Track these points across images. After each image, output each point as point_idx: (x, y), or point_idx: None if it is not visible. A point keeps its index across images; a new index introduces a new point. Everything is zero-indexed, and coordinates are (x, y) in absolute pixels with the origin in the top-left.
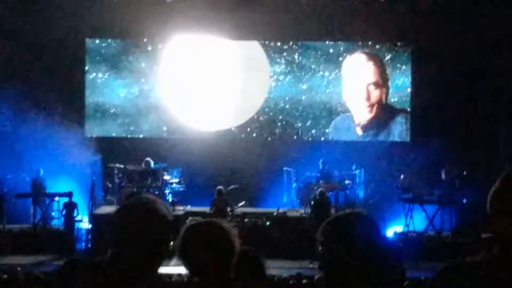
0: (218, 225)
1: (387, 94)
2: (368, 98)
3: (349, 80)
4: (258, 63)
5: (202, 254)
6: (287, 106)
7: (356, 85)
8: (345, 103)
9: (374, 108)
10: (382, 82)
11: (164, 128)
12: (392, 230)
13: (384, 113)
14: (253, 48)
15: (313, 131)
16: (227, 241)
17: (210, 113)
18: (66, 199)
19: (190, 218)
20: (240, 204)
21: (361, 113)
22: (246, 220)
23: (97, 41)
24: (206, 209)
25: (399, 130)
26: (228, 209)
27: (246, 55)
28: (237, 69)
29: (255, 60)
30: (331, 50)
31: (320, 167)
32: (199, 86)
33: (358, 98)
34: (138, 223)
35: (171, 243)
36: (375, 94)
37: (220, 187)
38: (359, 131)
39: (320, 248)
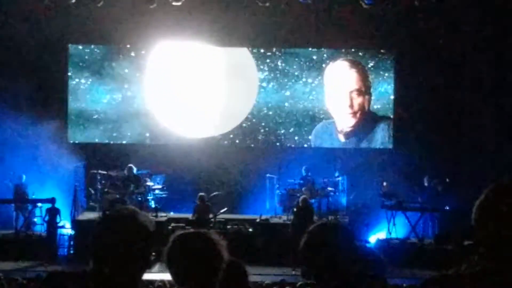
0: (207, 236)
1: (369, 101)
2: (351, 105)
3: (332, 87)
4: (245, 70)
5: (189, 264)
6: (270, 113)
7: (339, 92)
8: (328, 110)
9: (357, 115)
10: (365, 89)
11: (147, 135)
12: (375, 237)
13: (367, 120)
14: (241, 55)
15: (296, 137)
16: (216, 253)
17: (195, 120)
18: (49, 205)
19: (172, 224)
20: (222, 210)
21: (344, 120)
22: (228, 227)
23: (80, 47)
24: (189, 215)
25: (381, 137)
26: (210, 215)
27: (232, 62)
28: (222, 76)
29: (242, 67)
30: (314, 57)
31: (303, 174)
32: (183, 93)
33: (341, 105)
34: (120, 235)
35: (153, 253)
36: (358, 101)
37: (201, 193)
38: (342, 138)
39: (301, 257)
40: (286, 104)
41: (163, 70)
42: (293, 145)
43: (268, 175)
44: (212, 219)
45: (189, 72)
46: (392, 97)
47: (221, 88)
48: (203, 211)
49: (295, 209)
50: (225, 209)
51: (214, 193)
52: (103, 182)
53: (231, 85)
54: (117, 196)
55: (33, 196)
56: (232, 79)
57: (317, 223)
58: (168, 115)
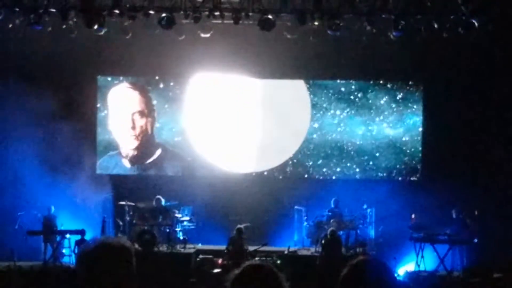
0: (271, 268)
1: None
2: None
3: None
4: (294, 104)
5: None
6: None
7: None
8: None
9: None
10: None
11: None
12: (403, 269)
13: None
14: (297, 88)
15: (324, 169)
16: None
17: (233, 155)
18: (77, 237)
19: (200, 256)
20: (261, 245)
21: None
22: (256, 258)
23: (109, 78)
24: (216, 247)
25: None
26: (249, 248)
27: (273, 94)
28: (260, 108)
29: (289, 99)
30: (342, 89)
31: (332, 206)
32: (214, 125)
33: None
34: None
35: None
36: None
37: (240, 226)
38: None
39: None
40: (315, 135)
41: (194, 101)
42: (321, 177)
43: (296, 207)
44: (247, 252)
45: (218, 105)
46: (420, 129)
47: (258, 122)
48: (239, 244)
49: (323, 241)
50: (262, 245)
51: (243, 225)
52: (131, 213)
53: (273, 119)
54: (145, 227)
55: (62, 228)
56: (272, 112)
57: (361, 258)
58: (200, 147)
